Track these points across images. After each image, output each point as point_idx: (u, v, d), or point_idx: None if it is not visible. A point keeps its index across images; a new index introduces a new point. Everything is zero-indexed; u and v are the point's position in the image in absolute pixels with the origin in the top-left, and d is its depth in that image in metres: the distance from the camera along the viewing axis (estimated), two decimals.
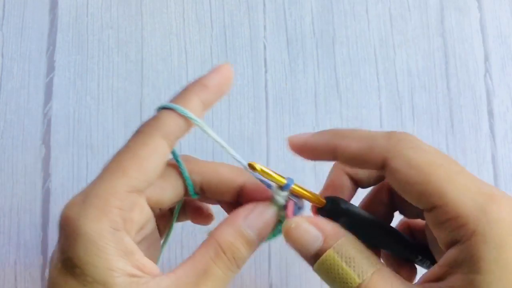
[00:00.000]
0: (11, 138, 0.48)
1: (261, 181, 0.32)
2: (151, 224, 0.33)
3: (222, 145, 0.32)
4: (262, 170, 0.30)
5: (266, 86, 0.50)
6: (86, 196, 0.28)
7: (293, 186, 0.31)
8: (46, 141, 0.48)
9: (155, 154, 0.29)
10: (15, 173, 0.47)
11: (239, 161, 0.31)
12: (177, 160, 0.33)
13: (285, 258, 0.46)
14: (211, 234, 0.30)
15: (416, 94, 0.50)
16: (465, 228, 0.26)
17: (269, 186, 0.32)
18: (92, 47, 0.50)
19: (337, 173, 0.36)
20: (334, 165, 0.36)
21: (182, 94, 0.31)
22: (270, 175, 0.30)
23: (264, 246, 0.46)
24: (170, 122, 0.30)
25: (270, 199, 0.31)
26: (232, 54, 0.50)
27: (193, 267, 0.29)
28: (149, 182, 0.29)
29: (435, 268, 0.29)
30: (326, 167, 0.48)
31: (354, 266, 0.28)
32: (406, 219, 0.38)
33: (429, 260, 0.35)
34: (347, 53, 0.51)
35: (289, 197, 0.31)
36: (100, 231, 0.27)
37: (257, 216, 0.31)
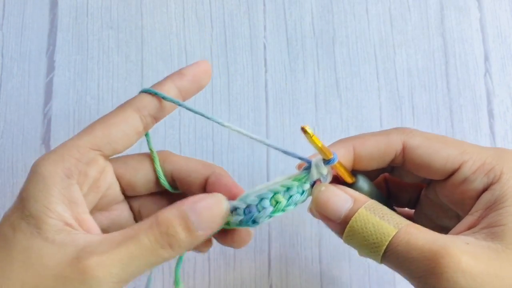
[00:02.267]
0: (11, 138, 0.48)
1: (285, 152, 0.32)
2: (124, 207, 0.36)
3: (204, 114, 0.35)
4: (312, 136, 0.29)
5: (266, 86, 0.50)
6: (57, 145, 0.31)
7: (337, 162, 0.31)
8: (46, 141, 0.48)
9: (124, 122, 0.32)
10: (15, 173, 0.47)
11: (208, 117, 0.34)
12: (150, 149, 0.35)
13: (285, 258, 0.46)
14: (158, 212, 0.30)
15: (416, 94, 0.50)
16: (494, 170, 0.30)
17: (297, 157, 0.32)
18: (92, 47, 0.50)
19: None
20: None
21: (160, 81, 0.34)
22: (318, 145, 0.30)
23: (264, 246, 0.46)
24: (143, 99, 0.33)
25: (301, 168, 0.32)
26: (232, 54, 0.50)
27: (124, 232, 0.29)
28: (112, 147, 0.32)
29: (466, 219, 0.31)
30: None
31: (388, 220, 0.29)
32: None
33: None
34: (347, 53, 0.51)
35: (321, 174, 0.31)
36: (51, 173, 0.29)
37: (205, 206, 0.30)
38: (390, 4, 0.52)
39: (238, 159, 0.48)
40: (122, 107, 0.33)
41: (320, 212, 0.32)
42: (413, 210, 0.39)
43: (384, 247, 0.29)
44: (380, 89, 0.50)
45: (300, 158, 0.32)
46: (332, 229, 0.32)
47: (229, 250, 0.46)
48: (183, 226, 0.29)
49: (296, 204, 0.32)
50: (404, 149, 0.32)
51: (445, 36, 0.52)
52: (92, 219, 0.31)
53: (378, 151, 0.33)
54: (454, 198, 0.33)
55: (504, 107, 0.50)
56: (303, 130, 0.29)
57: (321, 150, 0.30)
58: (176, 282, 0.37)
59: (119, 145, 0.32)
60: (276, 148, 0.32)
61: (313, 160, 0.31)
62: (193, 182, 0.35)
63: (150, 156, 0.35)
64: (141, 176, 0.35)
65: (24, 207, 0.29)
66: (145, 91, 0.33)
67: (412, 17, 0.52)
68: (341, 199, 0.31)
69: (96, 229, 0.31)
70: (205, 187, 0.35)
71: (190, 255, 0.46)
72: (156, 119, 0.34)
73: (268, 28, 0.51)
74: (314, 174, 0.31)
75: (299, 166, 0.33)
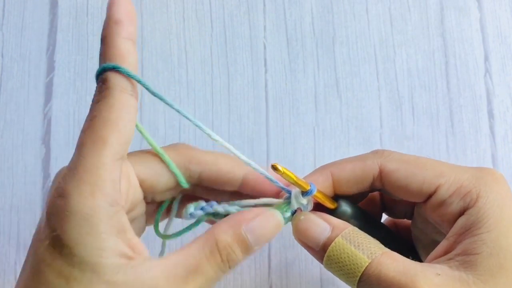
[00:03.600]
0: (11, 138, 0.48)
1: (268, 178, 0.32)
2: (141, 207, 0.33)
3: (188, 118, 0.33)
4: (284, 173, 0.29)
5: (266, 86, 0.50)
6: (75, 171, 0.26)
7: (316, 192, 0.31)
8: (46, 141, 0.48)
9: (124, 109, 0.28)
10: (15, 173, 0.47)
11: (208, 134, 0.32)
12: (156, 151, 0.32)
13: (285, 258, 0.46)
14: (210, 230, 0.29)
15: (416, 94, 0.50)
16: (470, 194, 0.30)
17: (272, 181, 0.32)
18: (92, 47, 0.50)
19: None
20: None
21: (110, 46, 0.29)
22: (293, 179, 0.30)
23: (264, 246, 0.46)
24: (118, 79, 0.28)
25: (278, 197, 0.32)
26: (232, 54, 0.50)
27: (186, 260, 0.28)
28: (129, 143, 0.29)
29: (443, 243, 0.30)
30: None
31: (363, 249, 0.30)
32: (391, 219, 0.40)
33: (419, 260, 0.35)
34: (347, 53, 0.51)
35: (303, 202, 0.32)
36: (94, 208, 0.26)
37: (260, 223, 0.30)
38: (390, 4, 0.52)
39: None
40: (108, 94, 0.28)
41: (300, 240, 0.32)
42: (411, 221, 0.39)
43: (357, 277, 0.29)
44: (380, 89, 0.50)
45: (281, 188, 0.32)
46: (313, 256, 0.33)
47: None
48: (241, 248, 0.29)
49: None
50: (381, 173, 0.32)
51: (445, 36, 0.52)
52: (139, 240, 0.28)
53: (355, 177, 0.33)
54: (434, 219, 0.33)
55: (504, 107, 0.50)
56: (274, 167, 0.29)
57: (296, 183, 0.30)
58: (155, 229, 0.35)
59: (132, 134, 0.29)
60: (262, 173, 0.32)
61: (293, 192, 0.31)
62: (226, 183, 0.33)
63: (174, 155, 0.33)
64: (164, 180, 0.33)
65: (71, 254, 0.25)
66: (107, 68, 0.28)
67: (412, 17, 0.52)
68: (320, 227, 0.31)
69: (145, 250, 0.28)
70: (238, 186, 0.34)
71: None
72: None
73: (268, 28, 0.51)
74: (294, 205, 0.32)
75: (281, 195, 0.33)
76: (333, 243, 0.30)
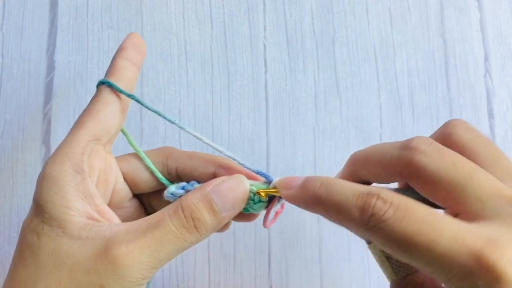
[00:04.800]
0: (11, 138, 0.48)
1: (250, 169, 0.34)
2: (132, 203, 0.36)
3: (176, 124, 0.35)
4: (257, 194, 0.32)
5: (266, 86, 0.50)
6: (56, 148, 0.32)
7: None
8: (46, 141, 0.48)
9: (107, 104, 0.33)
10: (15, 173, 0.47)
11: (191, 133, 0.35)
12: (132, 145, 0.36)
13: (285, 258, 0.46)
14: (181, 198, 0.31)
15: (416, 94, 0.50)
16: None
17: (258, 173, 0.34)
18: (92, 47, 0.50)
19: (347, 172, 0.34)
20: (346, 164, 0.35)
21: (110, 64, 0.35)
22: (268, 195, 0.33)
23: (264, 246, 0.46)
24: (109, 89, 0.34)
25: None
26: (232, 54, 0.50)
27: (149, 218, 0.30)
28: (107, 131, 0.33)
29: None
30: (326, 166, 0.48)
31: None
32: None
33: None
34: (347, 53, 0.51)
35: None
36: (61, 172, 0.30)
37: (227, 186, 0.31)
38: (390, 4, 0.52)
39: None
40: (96, 97, 0.34)
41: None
42: None
43: None
44: (380, 89, 0.50)
45: (260, 174, 0.34)
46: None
47: (229, 250, 0.46)
48: (207, 209, 0.30)
49: (249, 210, 0.33)
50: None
51: (445, 36, 0.52)
52: (110, 210, 0.32)
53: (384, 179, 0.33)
54: None
55: (504, 107, 0.50)
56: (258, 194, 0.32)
57: (274, 192, 0.32)
58: None
59: (112, 126, 0.33)
60: (247, 167, 0.34)
61: (276, 180, 0.33)
62: (201, 177, 0.35)
63: (154, 154, 0.36)
64: (144, 174, 0.35)
65: (43, 212, 0.29)
66: (103, 83, 0.34)
67: (412, 17, 0.52)
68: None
69: (117, 219, 0.31)
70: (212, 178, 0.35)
71: (190, 255, 0.46)
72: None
73: (268, 28, 0.51)
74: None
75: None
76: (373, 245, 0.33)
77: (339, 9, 0.52)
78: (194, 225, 0.30)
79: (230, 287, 0.46)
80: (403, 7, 0.52)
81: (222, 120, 0.49)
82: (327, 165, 0.48)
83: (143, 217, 0.35)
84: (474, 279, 0.23)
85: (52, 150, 0.47)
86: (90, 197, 0.30)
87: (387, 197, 0.26)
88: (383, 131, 0.49)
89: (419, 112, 0.50)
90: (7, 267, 0.46)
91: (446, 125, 0.30)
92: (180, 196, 0.33)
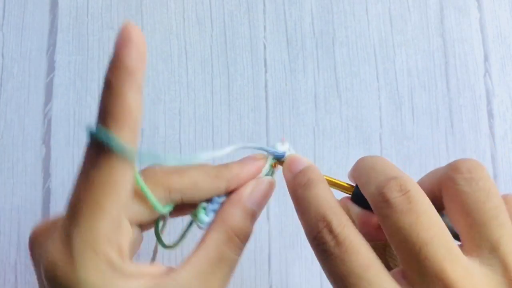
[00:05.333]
0: (11, 138, 0.48)
1: (261, 148, 0.33)
2: (139, 239, 0.32)
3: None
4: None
5: (266, 86, 0.50)
6: (71, 243, 0.25)
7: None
8: (46, 141, 0.48)
9: (123, 177, 0.25)
10: (15, 173, 0.47)
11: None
12: (142, 187, 0.29)
13: (285, 258, 0.46)
14: (218, 220, 0.30)
15: (416, 94, 0.50)
16: None
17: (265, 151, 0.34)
18: (92, 47, 0.50)
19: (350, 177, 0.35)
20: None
21: (117, 97, 0.24)
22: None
23: (264, 246, 0.46)
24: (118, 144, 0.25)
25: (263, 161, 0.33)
26: (232, 54, 0.50)
27: (207, 255, 0.29)
28: (126, 206, 0.27)
29: None
30: (326, 166, 0.48)
31: None
32: None
33: None
34: (347, 53, 0.51)
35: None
36: (102, 279, 0.25)
37: (259, 191, 0.31)
38: (390, 4, 0.52)
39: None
40: (109, 174, 0.25)
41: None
42: None
43: None
44: (380, 89, 0.50)
45: (273, 152, 0.34)
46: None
47: None
48: (251, 221, 0.31)
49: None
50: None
51: (445, 36, 0.52)
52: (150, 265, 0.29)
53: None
54: None
55: (504, 107, 0.50)
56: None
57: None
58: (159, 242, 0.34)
59: (128, 200, 0.27)
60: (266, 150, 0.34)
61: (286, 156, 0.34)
62: (212, 196, 0.32)
63: (153, 191, 0.30)
64: (148, 214, 0.30)
65: None
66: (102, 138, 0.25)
67: (412, 17, 0.52)
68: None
69: (159, 266, 0.29)
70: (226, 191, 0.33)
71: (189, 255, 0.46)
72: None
73: (268, 28, 0.51)
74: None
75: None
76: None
77: (339, 9, 0.52)
78: (246, 242, 0.30)
79: (230, 287, 0.46)
80: (403, 7, 0.52)
81: (222, 120, 0.49)
82: (327, 165, 0.48)
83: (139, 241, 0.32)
84: None
85: (52, 150, 0.48)
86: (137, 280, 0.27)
87: (336, 227, 0.26)
88: (383, 131, 0.49)
89: (419, 112, 0.50)
90: (7, 267, 0.46)
91: (450, 166, 0.28)
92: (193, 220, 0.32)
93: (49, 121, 0.48)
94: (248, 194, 0.31)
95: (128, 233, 0.29)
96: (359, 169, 0.31)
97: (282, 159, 0.33)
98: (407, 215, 0.26)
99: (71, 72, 0.50)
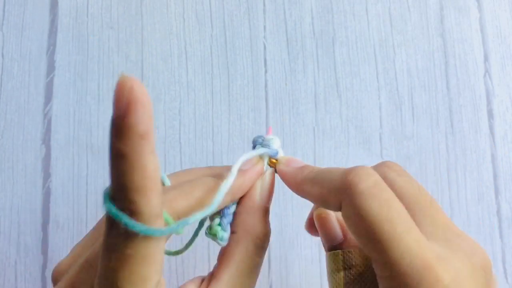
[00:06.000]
0: (11, 138, 0.48)
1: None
2: None
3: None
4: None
5: (266, 86, 0.50)
6: None
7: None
8: (46, 141, 0.48)
9: (157, 248, 0.24)
10: (15, 173, 0.47)
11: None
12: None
13: (285, 258, 0.46)
14: (240, 230, 0.31)
15: (416, 94, 0.50)
16: None
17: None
18: (92, 47, 0.50)
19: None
20: None
21: (136, 168, 0.22)
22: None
23: None
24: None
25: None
26: (232, 54, 0.50)
27: (238, 269, 0.30)
28: (163, 263, 0.25)
29: None
30: (326, 166, 0.48)
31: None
32: None
33: None
34: (347, 53, 0.51)
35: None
36: None
37: (265, 189, 0.32)
38: (390, 4, 0.52)
39: None
40: (140, 254, 0.23)
41: (318, 221, 0.34)
42: None
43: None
44: (380, 89, 0.50)
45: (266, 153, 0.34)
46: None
47: None
48: (268, 218, 0.32)
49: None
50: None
51: (445, 36, 0.52)
52: None
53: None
54: None
55: (503, 107, 0.50)
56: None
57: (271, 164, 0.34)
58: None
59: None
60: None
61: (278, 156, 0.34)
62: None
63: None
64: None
65: None
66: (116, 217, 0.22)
67: (412, 17, 0.52)
68: (334, 233, 0.33)
69: None
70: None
71: (190, 255, 0.46)
72: None
73: (268, 28, 0.51)
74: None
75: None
76: (333, 252, 0.32)
77: (339, 9, 0.52)
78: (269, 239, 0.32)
79: None
80: (403, 7, 0.52)
81: (222, 120, 0.49)
82: (327, 165, 0.48)
83: None
84: (418, 285, 0.24)
85: (53, 150, 0.48)
86: None
87: (368, 170, 0.27)
88: (383, 131, 0.49)
89: (419, 112, 0.50)
90: (7, 267, 0.46)
91: (380, 165, 0.30)
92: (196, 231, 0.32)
93: (49, 121, 0.48)
94: (259, 197, 0.32)
95: (163, 285, 0.27)
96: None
97: (276, 157, 0.34)
98: (413, 180, 0.29)
99: (71, 72, 0.50)
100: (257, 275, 0.31)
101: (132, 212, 0.22)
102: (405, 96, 0.50)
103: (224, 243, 0.31)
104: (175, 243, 0.42)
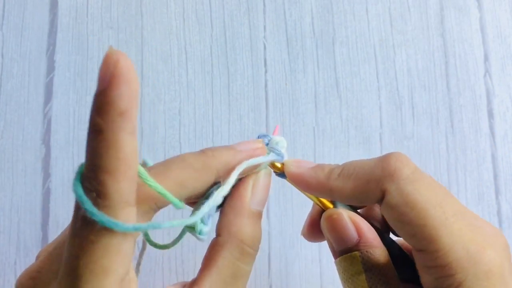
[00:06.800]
0: (11, 138, 0.48)
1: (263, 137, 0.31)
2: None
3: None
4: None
5: (266, 86, 0.50)
6: None
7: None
8: (46, 141, 0.48)
9: (126, 241, 0.22)
10: (15, 173, 0.47)
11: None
12: (157, 188, 0.25)
13: (285, 258, 0.46)
14: (225, 231, 0.27)
15: (416, 94, 0.50)
16: (452, 278, 0.25)
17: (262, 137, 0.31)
18: (92, 47, 0.50)
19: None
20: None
21: (111, 145, 0.21)
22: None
23: (264, 246, 0.46)
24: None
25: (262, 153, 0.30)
26: (232, 54, 0.50)
27: (220, 275, 0.27)
28: (131, 257, 0.24)
29: None
30: None
31: (371, 280, 0.28)
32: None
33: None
34: (347, 53, 0.51)
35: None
36: None
37: (258, 190, 0.29)
38: (390, 4, 0.52)
39: None
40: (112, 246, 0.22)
41: (327, 229, 0.31)
42: None
43: None
44: (380, 89, 0.50)
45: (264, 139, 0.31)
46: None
47: None
48: (259, 223, 0.28)
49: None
50: (381, 200, 0.29)
51: (445, 36, 0.52)
52: None
53: (358, 201, 0.29)
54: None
55: (504, 107, 0.50)
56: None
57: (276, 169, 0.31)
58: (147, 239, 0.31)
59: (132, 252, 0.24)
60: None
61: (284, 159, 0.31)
62: (203, 191, 0.29)
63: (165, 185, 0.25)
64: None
65: None
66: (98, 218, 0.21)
67: (412, 17, 0.52)
68: (348, 234, 0.30)
69: None
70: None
71: (190, 255, 0.46)
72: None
73: (268, 28, 0.51)
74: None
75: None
76: (348, 256, 0.29)
77: (339, 9, 0.52)
78: (258, 248, 0.28)
79: None
80: (403, 7, 0.52)
81: (222, 120, 0.49)
82: None
83: None
84: (464, 273, 0.25)
85: (52, 150, 0.48)
86: None
87: (404, 155, 0.27)
88: (383, 131, 0.49)
89: (419, 112, 0.50)
90: (7, 267, 0.46)
91: (387, 158, 0.29)
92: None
93: (49, 121, 0.48)
94: (249, 197, 0.28)
95: (135, 282, 0.26)
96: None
97: (281, 162, 0.31)
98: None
99: (71, 72, 0.50)
100: (245, 285, 0.27)
101: (100, 193, 0.21)
102: (405, 96, 0.50)
103: (204, 237, 0.28)
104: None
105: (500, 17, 0.52)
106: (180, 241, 0.35)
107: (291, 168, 0.30)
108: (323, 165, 0.30)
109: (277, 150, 0.30)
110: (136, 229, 0.22)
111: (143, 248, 0.34)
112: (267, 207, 0.47)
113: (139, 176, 0.23)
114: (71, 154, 0.48)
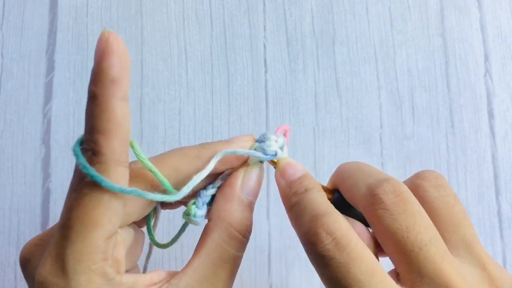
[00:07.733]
0: (11, 138, 0.48)
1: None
2: (139, 238, 0.31)
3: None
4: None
5: (266, 86, 0.50)
6: (64, 259, 0.24)
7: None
8: (46, 141, 0.48)
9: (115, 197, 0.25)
10: (15, 173, 0.47)
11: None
12: (155, 173, 0.28)
13: (285, 258, 0.46)
14: (215, 217, 0.29)
15: (416, 94, 0.50)
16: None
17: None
18: (92, 47, 0.50)
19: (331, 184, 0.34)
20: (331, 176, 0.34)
21: (104, 109, 0.24)
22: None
23: (264, 246, 0.46)
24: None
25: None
26: (232, 54, 0.50)
27: (208, 257, 0.28)
28: (120, 217, 0.26)
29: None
30: (326, 166, 0.48)
31: None
32: None
33: None
34: (347, 53, 0.51)
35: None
36: None
37: (249, 180, 0.30)
38: (390, 4, 0.52)
39: None
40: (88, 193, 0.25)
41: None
42: None
43: None
44: (380, 89, 0.50)
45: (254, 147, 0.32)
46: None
47: None
48: (250, 212, 0.29)
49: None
50: None
51: (445, 36, 0.52)
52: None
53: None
54: None
55: (504, 107, 0.50)
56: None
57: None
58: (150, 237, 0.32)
59: (122, 212, 0.26)
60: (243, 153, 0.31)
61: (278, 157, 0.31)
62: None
63: (160, 168, 0.28)
64: (137, 213, 0.29)
65: None
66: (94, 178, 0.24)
67: (412, 17, 0.52)
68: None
69: None
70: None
71: (190, 254, 0.46)
72: None
73: (268, 28, 0.51)
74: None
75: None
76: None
77: (339, 9, 0.52)
78: (248, 236, 0.29)
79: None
80: (403, 7, 0.52)
81: (222, 120, 0.49)
82: (327, 165, 0.48)
83: (135, 235, 0.30)
84: None
85: (52, 150, 0.48)
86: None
87: (336, 229, 0.25)
88: (383, 131, 0.49)
89: (419, 112, 0.50)
90: (7, 267, 0.46)
91: (416, 176, 0.29)
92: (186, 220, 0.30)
93: (49, 121, 0.48)
94: (239, 184, 0.30)
95: (123, 242, 0.28)
96: (343, 173, 0.31)
97: (275, 159, 0.31)
98: (403, 216, 0.26)
99: (70, 72, 0.50)
100: (233, 270, 0.28)
101: (94, 151, 0.24)
102: (405, 96, 0.50)
103: (199, 221, 0.30)
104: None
105: (500, 17, 0.52)
106: (180, 241, 0.36)
107: (276, 172, 0.31)
108: (304, 182, 0.30)
109: (262, 148, 0.31)
110: (121, 191, 0.24)
111: (149, 252, 0.34)
112: (267, 207, 0.47)
113: (134, 152, 0.27)
114: (71, 154, 0.48)
